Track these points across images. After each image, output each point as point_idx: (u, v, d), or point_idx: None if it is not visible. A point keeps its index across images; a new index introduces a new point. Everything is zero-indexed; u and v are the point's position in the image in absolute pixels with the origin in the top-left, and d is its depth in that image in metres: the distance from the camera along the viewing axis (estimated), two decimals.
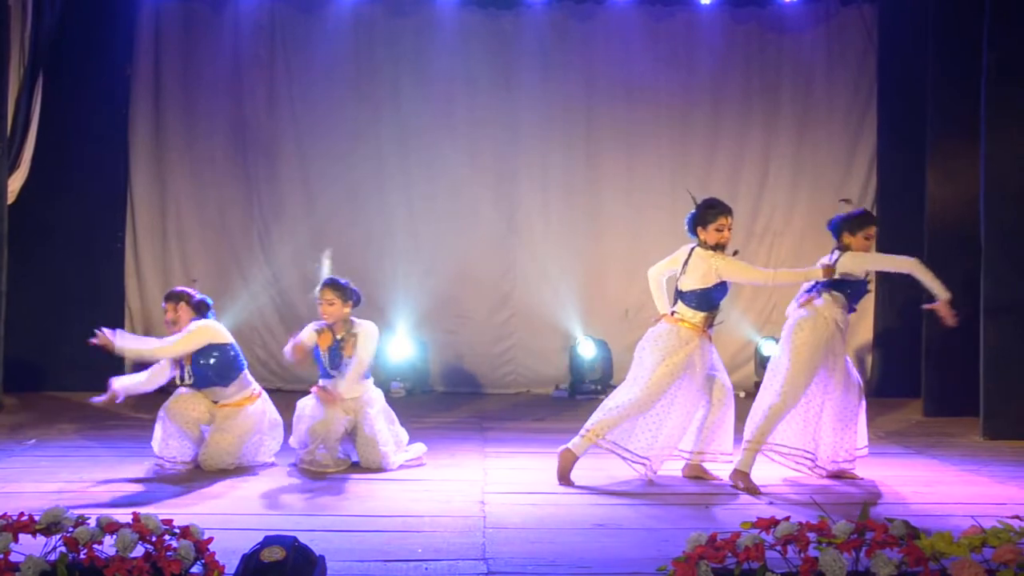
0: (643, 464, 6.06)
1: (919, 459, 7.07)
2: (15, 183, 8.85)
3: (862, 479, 6.30)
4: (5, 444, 7.03)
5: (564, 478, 6.05)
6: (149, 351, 6.44)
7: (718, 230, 6.08)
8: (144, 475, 6.22)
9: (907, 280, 6.28)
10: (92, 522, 3.86)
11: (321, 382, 6.56)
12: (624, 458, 6.09)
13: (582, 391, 9.81)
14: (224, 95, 10.10)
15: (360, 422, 6.44)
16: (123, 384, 6.40)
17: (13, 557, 3.73)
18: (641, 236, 10.02)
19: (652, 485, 6.04)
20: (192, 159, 10.12)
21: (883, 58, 10.15)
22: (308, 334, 6.50)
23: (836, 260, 6.19)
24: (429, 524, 5.11)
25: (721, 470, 6.23)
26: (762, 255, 10.13)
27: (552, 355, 10.17)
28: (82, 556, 3.75)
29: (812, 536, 3.86)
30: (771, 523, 3.91)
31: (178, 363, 6.45)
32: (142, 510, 4.03)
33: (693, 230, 6.16)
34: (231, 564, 3.86)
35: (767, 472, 6.21)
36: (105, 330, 6.24)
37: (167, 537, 3.83)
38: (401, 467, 6.46)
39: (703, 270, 6.07)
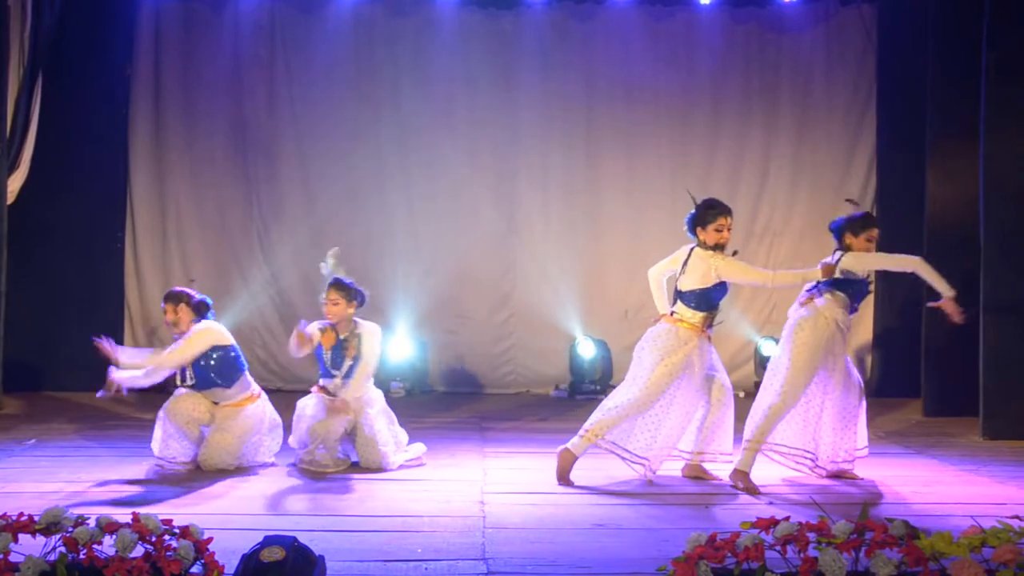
0: (642, 464, 6.07)
1: (919, 459, 7.07)
2: (15, 183, 8.85)
3: (862, 479, 6.30)
4: (5, 444, 7.03)
5: (563, 478, 6.05)
6: (156, 365, 6.40)
7: (717, 230, 6.09)
8: (144, 475, 6.22)
9: (907, 280, 6.29)
10: (92, 522, 3.86)
11: (321, 381, 6.57)
12: (623, 458, 6.09)
13: (582, 391, 9.81)
14: (224, 95, 10.10)
15: (360, 422, 6.44)
16: (122, 376, 6.39)
17: (13, 557, 3.73)
18: (641, 236, 10.03)
19: (651, 485, 6.04)
20: (192, 159, 10.12)
21: (882, 58, 10.15)
22: (313, 329, 6.51)
23: (838, 260, 6.19)
24: (429, 524, 5.11)
25: (721, 470, 6.23)
26: (761, 255, 10.14)
27: (552, 355, 10.17)
28: (82, 556, 3.75)
29: (812, 536, 3.86)
30: (771, 523, 3.91)
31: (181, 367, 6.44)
32: (142, 510, 4.03)
33: (692, 230, 6.16)
34: (231, 564, 3.86)
35: (767, 472, 6.21)
36: (109, 345, 6.23)
37: (167, 537, 3.83)
38: (401, 467, 6.46)
39: (702, 270, 6.07)
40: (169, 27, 10.09)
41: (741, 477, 6.02)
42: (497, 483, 6.08)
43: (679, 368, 6.03)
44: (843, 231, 6.27)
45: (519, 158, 10.27)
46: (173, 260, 10.10)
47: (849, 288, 6.19)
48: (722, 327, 6.59)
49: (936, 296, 6.15)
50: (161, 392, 6.76)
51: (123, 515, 3.94)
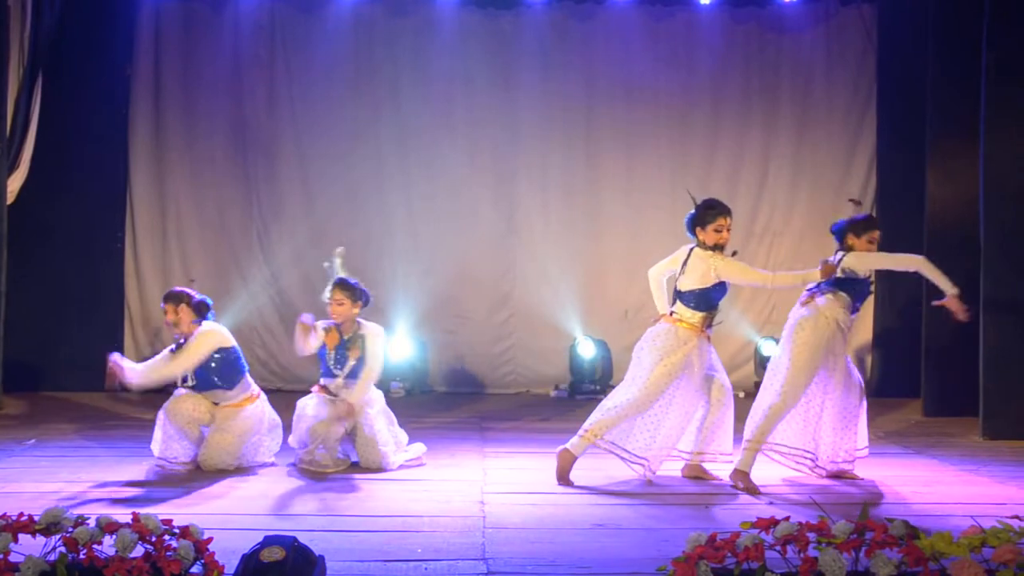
0: (641, 464, 6.06)
1: (919, 459, 7.07)
2: (15, 183, 8.85)
3: (862, 479, 6.30)
4: (5, 444, 7.02)
5: (563, 478, 6.06)
6: (166, 376, 6.40)
7: (716, 231, 6.09)
8: (144, 475, 6.22)
9: (907, 280, 6.29)
10: (92, 522, 3.86)
11: (323, 381, 6.56)
12: (622, 458, 6.09)
13: (582, 391, 9.81)
14: (224, 95, 10.10)
15: (360, 422, 6.44)
16: (123, 364, 6.39)
17: (13, 557, 3.73)
18: (641, 236, 10.02)
19: (651, 485, 6.04)
20: (192, 159, 10.12)
21: (882, 58, 10.15)
22: (319, 328, 6.51)
23: (840, 259, 6.19)
24: (429, 524, 5.11)
25: (721, 470, 6.23)
26: (761, 255, 10.14)
27: (552, 355, 10.17)
28: (82, 556, 3.75)
29: (812, 536, 3.86)
30: (771, 523, 3.91)
31: None
32: (142, 510, 4.03)
33: (692, 230, 6.17)
34: (231, 564, 3.86)
35: (767, 472, 6.21)
36: (117, 362, 6.22)
37: (167, 537, 3.83)
38: (401, 467, 6.46)
39: (702, 270, 6.08)
40: (169, 27, 10.08)
41: (741, 477, 6.02)
42: (497, 483, 6.08)
43: (678, 368, 6.03)
44: (845, 233, 6.28)
45: (519, 158, 10.27)
46: (173, 260, 10.09)
47: (851, 288, 6.19)
48: (722, 327, 6.59)
49: (939, 295, 6.15)
50: (161, 392, 6.76)
51: (123, 515, 3.94)
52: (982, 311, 7.76)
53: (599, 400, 6.57)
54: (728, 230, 6.12)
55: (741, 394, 8.83)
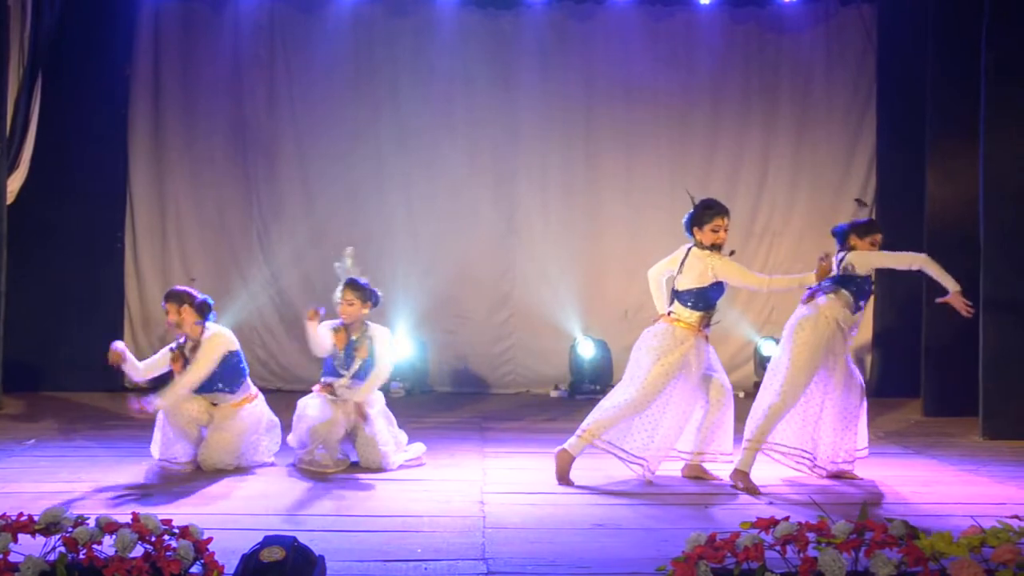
0: (640, 464, 6.06)
1: (918, 459, 7.07)
2: (15, 183, 8.85)
3: (862, 479, 6.30)
4: (5, 444, 7.03)
5: (563, 478, 6.06)
6: (189, 389, 6.34)
7: (714, 231, 6.09)
8: (143, 475, 6.22)
9: (907, 280, 6.29)
10: (91, 522, 3.86)
11: (326, 380, 6.56)
12: (621, 458, 6.09)
13: (582, 391, 9.81)
14: (224, 95, 10.10)
15: (360, 423, 6.43)
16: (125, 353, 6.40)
17: (12, 557, 3.74)
18: (640, 236, 10.02)
19: (651, 485, 6.04)
20: (191, 159, 10.11)
21: (882, 58, 10.15)
22: (326, 328, 6.52)
23: (842, 259, 6.20)
24: (429, 524, 5.11)
25: (721, 470, 6.23)
26: (761, 255, 10.15)
27: (552, 355, 10.17)
28: (81, 556, 3.76)
29: (811, 536, 3.86)
30: (770, 523, 3.91)
31: (183, 366, 6.44)
32: (141, 510, 4.03)
33: (690, 230, 6.17)
34: (231, 564, 3.86)
35: (767, 472, 6.21)
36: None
37: (166, 537, 3.83)
38: (401, 467, 6.46)
39: (699, 270, 6.08)
40: (169, 27, 10.08)
41: (741, 477, 6.02)
42: (497, 483, 6.08)
43: (676, 368, 6.03)
44: (847, 235, 6.32)
45: (518, 158, 10.27)
46: (173, 260, 10.09)
47: (852, 286, 6.20)
48: (721, 327, 6.60)
49: (940, 294, 6.17)
50: (163, 387, 6.75)
51: (123, 515, 3.95)
52: (982, 311, 7.75)
53: (599, 400, 6.57)
54: (726, 230, 6.13)
55: (741, 394, 8.83)
